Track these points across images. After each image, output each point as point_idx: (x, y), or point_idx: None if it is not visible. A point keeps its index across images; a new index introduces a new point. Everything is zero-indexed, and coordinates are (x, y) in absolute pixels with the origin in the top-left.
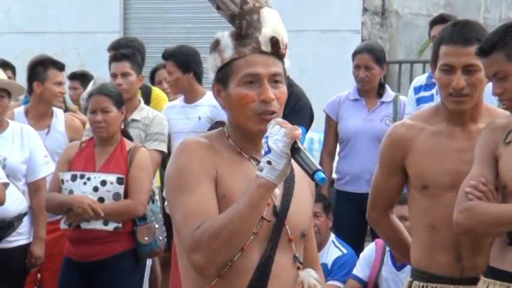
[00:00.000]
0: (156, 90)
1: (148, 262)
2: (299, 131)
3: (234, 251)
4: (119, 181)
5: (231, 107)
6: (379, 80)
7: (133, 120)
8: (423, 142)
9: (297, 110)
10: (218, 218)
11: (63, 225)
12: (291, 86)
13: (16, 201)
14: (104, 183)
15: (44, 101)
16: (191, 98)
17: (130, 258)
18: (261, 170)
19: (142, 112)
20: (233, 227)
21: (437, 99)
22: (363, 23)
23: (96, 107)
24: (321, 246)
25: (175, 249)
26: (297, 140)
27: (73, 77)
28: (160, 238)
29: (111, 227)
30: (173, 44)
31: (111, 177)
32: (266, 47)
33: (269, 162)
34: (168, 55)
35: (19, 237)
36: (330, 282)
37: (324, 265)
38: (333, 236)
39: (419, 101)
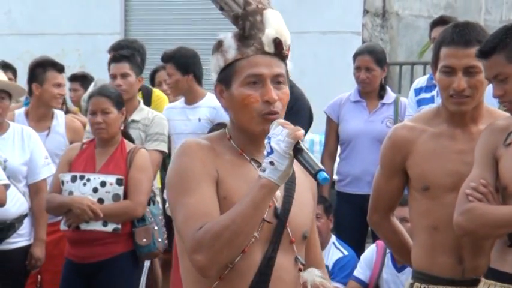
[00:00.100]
0: (156, 92)
1: (146, 264)
2: (301, 131)
3: (236, 252)
4: (118, 182)
5: (233, 108)
6: (380, 81)
7: (133, 121)
8: (424, 144)
9: (296, 111)
10: (220, 218)
11: (62, 227)
12: (290, 87)
13: (17, 203)
14: (103, 184)
15: (43, 103)
16: (191, 99)
17: (129, 259)
18: (264, 171)
19: (142, 113)
20: (235, 227)
21: (438, 101)
22: (363, 25)
23: (96, 108)
24: (321, 247)
25: (176, 250)
26: (299, 141)
27: (73, 78)
28: (160, 240)
29: (110, 228)
30: (173, 45)
31: (111, 179)
32: (269, 47)
33: (272, 163)
34: (167, 57)
35: (19, 239)
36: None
37: (325, 267)
38: (333, 238)
39: (420, 103)
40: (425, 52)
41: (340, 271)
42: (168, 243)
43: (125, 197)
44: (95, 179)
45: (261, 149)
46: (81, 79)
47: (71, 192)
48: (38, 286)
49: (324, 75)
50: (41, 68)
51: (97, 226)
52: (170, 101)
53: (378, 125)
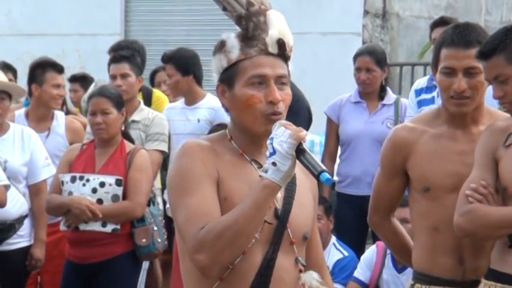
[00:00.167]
0: (157, 92)
1: (145, 265)
2: (304, 132)
3: (237, 252)
4: (118, 183)
5: (236, 108)
6: (381, 82)
7: (133, 121)
8: (425, 145)
9: (295, 111)
10: (222, 218)
11: (62, 227)
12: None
13: (17, 204)
14: (102, 184)
15: (42, 104)
16: (191, 100)
17: (129, 260)
18: (266, 171)
19: (142, 113)
20: (237, 227)
21: (438, 102)
22: (364, 26)
23: (96, 109)
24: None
25: (177, 251)
26: (302, 142)
27: (73, 79)
28: (159, 240)
29: (109, 228)
30: (174, 46)
31: (110, 179)
32: (273, 48)
33: (274, 164)
34: (167, 58)
35: (20, 240)
36: None
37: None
38: (334, 239)
39: (421, 104)
40: (425, 53)
41: (341, 272)
42: (168, 244)
43: (124, 197)
44: (94, 179)
45: (262, 149)
46: (81, 80)
47: (70, 193)
48: (38, 287)
49: (324, 76)
50: (41, 69)
51: (96, 227)
52: (170, 102)
53: (378, 126)
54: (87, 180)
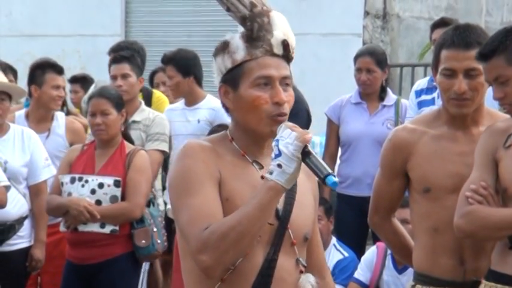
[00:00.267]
0: (157, 93)
1: (145, 266)
2: (310, 135)
3: (241, 253)
4: (116, 184)
5: (241, 109)
6: (381, 83)
7: (133, 121)
8: (425, 146)
9: (294, 113)
10: (226, 219)
11: (62, 228)
12: None
13: (17, 204)
14: (101, 185)
15: (42, 105)
16: (191, 101)
17: (128, 261)
18: (271, 173)
19: (143, 113)
20: (242, 228)
21: (439, 103)
22: (364, 27)
23: (96, 110)
24: None
25: (178, 252)
26: (307, 144)
27: (74, 80)
28: (159, 241)
29: (107, 229)
30: (174, 47)
31: (109, 180)
32: (278, 49)
33: (279, 166)
34: (167, 59)
35: (20, 241)
36: None
37: None
38: (334, 240)
39: (421, 105)
40: (425, 54)
41: (341, 273)
42: (168, 245)
43: (124, 198)
44: (93, 180)
45: (264, 150)
46: (82, 81)
47: (69, 194)
48: (38, 287)
49: (325, 77)
50: (40, 70)
51: (94, 228)
52: (170, 103)
53: (378, 127)
54: (86, 181)
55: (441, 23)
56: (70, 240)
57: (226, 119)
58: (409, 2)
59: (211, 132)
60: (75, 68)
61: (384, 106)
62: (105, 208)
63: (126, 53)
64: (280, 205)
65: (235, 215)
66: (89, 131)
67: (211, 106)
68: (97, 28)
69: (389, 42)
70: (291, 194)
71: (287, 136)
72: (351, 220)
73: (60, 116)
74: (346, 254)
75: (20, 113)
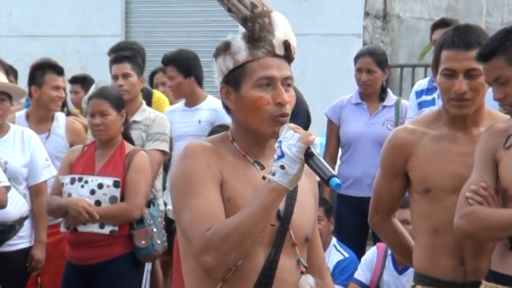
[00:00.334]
0: (157, 94)
1: (148, 266)
2: (313, 136)
3: (243, 254)
4: (115, 184)
5: (243, 110)
6: (381, 83)
7: (134, 121)
8: (425, 146)
9: (294, 114)
10: (229, 220)
11: (62, 228)
12: None
13: (17, 205)
14: (100, 186)
15: (41, 105)
16: (192, 101)
17: (128, 261)
18: (274, 174)
19: (144, 113)
20: (244, 229)
21: (439, 103)
22: (364, 27)
23: (95, 110)
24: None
25: (178, 253)
26: (310, 146)
27: (74, 80)
28: (159, 242)
29: (107, 230)
30: (174, 47)
31: (108, 181)
32: (279, 50)
33: (282, 167)
34: (168, 60)
35: (20, 241)
36: None
37: None
38: (334, 240)
39: (421, 105)
40: (425, 54)
41: (341, 273)
42: (168, 245)
43: (123, 199)
44: (93, 181)
45: (265, 151)
46: (82, 81)
47: (69, 194)
48: (38, 287)
49: (325, 78)
50: (40, 71)
51: (94, 228)
52: (171, 103)
53: (378, 128)
54: (86, 182)
55: (441, 24)
56: (70, 240)
57: (228, 120)
58: (410, 2)
59: (211, 133)
60: (76, 68)
61: (384, 107)
62: (104, 209)
63: (127, 53)
64: (281, 206)
65: (238, 216)
66: (90, 131)
67: (212, 107)
68: (97, 28)
69: (389, 42)
70: (292, 195)
71: (290, 137)
72: (351, 220)
73: (60, 117)
74: (346, 255)
75: (21, 114)
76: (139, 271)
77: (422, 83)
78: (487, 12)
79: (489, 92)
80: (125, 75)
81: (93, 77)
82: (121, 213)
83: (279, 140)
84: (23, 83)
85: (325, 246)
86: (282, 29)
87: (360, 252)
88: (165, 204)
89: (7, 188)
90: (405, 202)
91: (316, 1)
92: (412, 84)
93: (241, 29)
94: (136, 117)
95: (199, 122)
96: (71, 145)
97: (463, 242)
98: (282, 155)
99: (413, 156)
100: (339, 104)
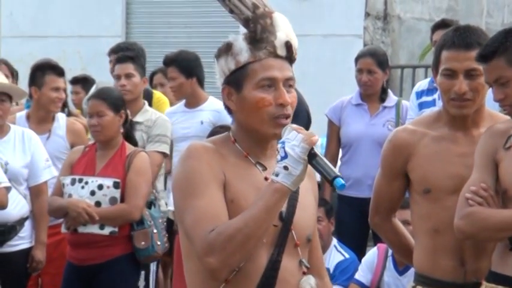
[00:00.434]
0: (157, 94)
1: (153, 267)
2: (316, 137)
3: (247, 255)
4: (115, 185)
5: (244, 111)
6: (382, 84)
7: (136, 122)
8: (425, 147)
9: (294, 114)
10: (232, 221)
11: (63, 229)
12: None
13: (18, 206)
14: (100, 187)
15: (41, 106)
16: (194, 102)
17: (128, 262)
18: (277, 175)
19: (146, 114)
20: (248, 230)
21: (439, 104)
22: (365, 28)
23: (92, 111)
24: (323, 250)
25: (179, 254)
26: (313, 146)
27: (75, 81)
28: (159, 243)
29: (107, 231)
30: (174, 48)
31: (108, 182)
32: (281, 51)
33: (286, 168)
34: (169, 61)
35: (21, 242)
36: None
37: (326, 270)
38: (335, 241)
39: (421, 106)
40: (426, 55)
41: (342, 274)
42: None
43: (123, 200)
44: (93, 182)
45: (267, 152)
46: (83, 82)
47: (70, 195)
48: None
49: (326, 78)
50: (40, 72)
51: (94, 229)
52: (170, 104)
53: (379, 128)
54: (86, 183)
55: (442, 24)
56: (70, 241)
57: (230, 121)
58: (410, 3)
59: (211, 134)
60: (76, 69)
61: (385, 107)
62: (104, 210)
63: (130, 53)
64: (283, 207)
65: (242, 217)
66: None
67: (215, 108)
68: (98, 29)
69: (390, 43)
70: (294, 196)
71: (293, 138)
72: (352, 221)
73: (61, 117)
74: (346, 255)
75: (21, 114)
76: (145, 273)
77: (422, 84)
78: (488, 13)
79: (489, 93)
80: (128, 76)
81: (94, 78)
82: (121, 215)
83: (281, 140)
84: (23, 83)
85: (326, 247)
86: (284, 30)
87: (360, 253)
88: (166, 205)
89: (8, 189)
90: (406, 203)
91: (316, 2)
92: (413, 85)
93: (243, 30)
94: (138, 118)
95: (202, 123)
96: (72, 146)
97: (463, 242)
98: (286, 156)
99: (414, 157)
100: (339, 104)
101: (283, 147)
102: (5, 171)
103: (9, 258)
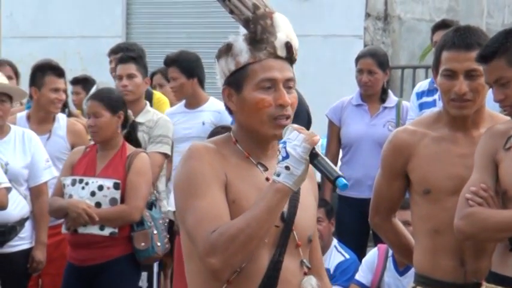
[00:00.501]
0: (157, 94)
1: (156, 268)
2: (317, 137)
3: (249, 255)
4: (116, 186)
5: (244, 112)
6: (382, 85)
7: (138, 123)
8: (426, 147)
9: (295, 115)
10: (234, 222)
11: (64, 230)
12: None
13: (18, 206)
14: (101, 188)
15: (41, 107)
16: (194, 103)
17: (128, 263)
18: (278, 175)
19: (148, 115)
20: (250, 231)
21: (440, 105)
22: (365, 28)
23: (89, 112)
24: (323, 251)
25: (179, 254)
26: (315, 146)
27: (75, 81)
28: (159, 244)
29: (107, 232)
30: (175, 49)
31: (108, 182)
32: (281, 52)
33: (287, 168)
34: (170, 61)
35: (21, 242)
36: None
37: (327, 270)
38: (335, 241)
39: (422, 107)
40: (426, 55)
41: (342, 274)
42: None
43: (123, 201)
44: (93, 182)
45: (268, 152)
46: (83, 82)
47: (70, 196)
48: None
49: (326, 79)
50: (40, 72)
51: (94, 230)
52: (170, 104)
53: (379, 129)
54: (86, 184)
55: (442, 25)
56: (70, 241)
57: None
58: (410, 3)
59: (213, 134)
60: (77, 69)
61: (385, 108)
62: (104, 211)
63: (133, 54)
64: (284, 207)
65: (243, 217)
66: None
67: (216, 109)
68: (98, 30)
69: (390, 44)
70: (295, 196)
71: (294, 138)
72: (352, 222)
73: (61, 118)
74: (347, 256)
75: (22, 115)
76: (149, 273)
77: (423, 84)
78: (488, 13)
79: (489, 94)
80: (130, 76)
81: (94, 78)
82: (121, 216)
83: (283, 141)
84: (24, 84)
85: (326, 247)
86: (284, 31)
87: (360, 253)
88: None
89: (8, 190)
90: (406, 203)
91: (317, 2)
92: (413, 86)
93: (243, 30)
94: (140, 118)
95: (203, 123)
96: (72, 146)
97: (463, 243)
98: (287, 156)
99: (414, 158)
100: (339, 105)
101: (285, 148)
102: (5, 172)
103: (9, 259)
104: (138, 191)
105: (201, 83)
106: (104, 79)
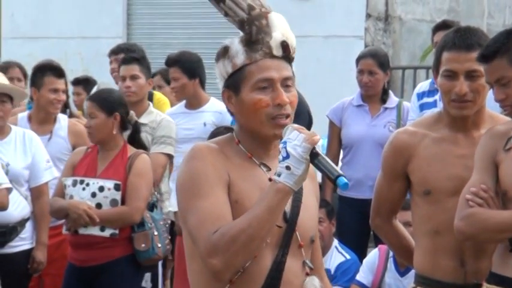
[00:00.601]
0: (157, 95)
1: (160, 269)
2: (318, 136)
3: (250, 256)
4: (116, 187)
5: (244, 113)
6: (383, 85)
7: (141, 124)
8: (426, 148)
9: (295, 115)
10: (236, 222)
11: (64, 230)
12: None
13: (19, 207)
14: (101, 189)
15: (41, 108)
16: (195, 104)
17: (129, 263)
18: (279, 175)
19: (151, 116)
20: (252, 231)
21: (440, 105)
22: (366, 29)
23: (87, 113)
24: (324, 251)
25: (180, 255)
26: (315, 146)
27: (76, 82)
28: (159, 245)
29: (107, 233)
30: (175, 49)
31: (109, 183)
32: (277, 51)
33: (288, 168)
34: (172, 61)
35: (22, 242)
36: None
37: (327, 271)
38: (336, 242)
39: (422, 107)
40: (427, 56)
41: (343, 275)
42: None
43: (124, 202)
44: (94, 183)
45: (270, 152)
46: (84, 83)
47: (71, 197)
48: None
49: (327, 80)
50: (40, 73)
51: (94, 231)
52: (171, 104)
53: (380, 130)
54: (87, 185)
55: (443, 26)
56: (71, 242)
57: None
58: (411, 4)
59: (214, 134)
60: (78, 70)
61: (386, 108)
62: (104, 212)
63: (136, 55)
64: (287, 207)
65: (245, 217)
66: None
67: (217, 109)
68: (99, 30)
69: (391, 44)
70: (297, 197)
71: (295, 138)
72: (353, 222)
73: (62, 118)
74: (348, 256)
75: (23, 115)
76: (153, 273)
77: (423, 85)
78: (489, 14)
79: (490, 94)
80: (133, 77)
81: (95, 79)
82: (121, 217)
83: (283, 140)
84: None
85: (327, 248)
86: (280, 30)
87: (361, 254)
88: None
89: (9, 190)
90: (407, 204)
91: (317, 3)
92: (414, 86)
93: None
94: (143, 119)
95: (205, 124)
96: (73, 147)
97: (463, 243)
98: (287, 156)
99: (414, 158)
100: (340, 105)
101: (285, 147)
102: (6, 172)
103: (10, 259)
104: (138, 192)
105: (202, 83)
106: (105, 80)
